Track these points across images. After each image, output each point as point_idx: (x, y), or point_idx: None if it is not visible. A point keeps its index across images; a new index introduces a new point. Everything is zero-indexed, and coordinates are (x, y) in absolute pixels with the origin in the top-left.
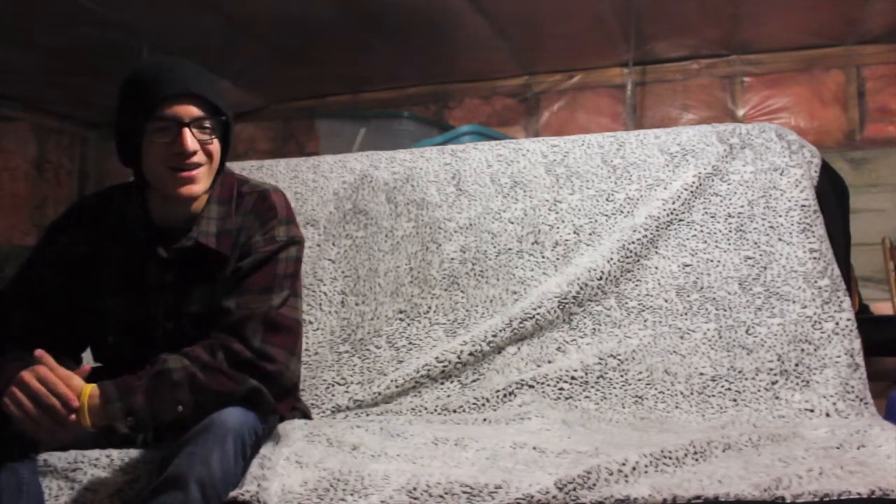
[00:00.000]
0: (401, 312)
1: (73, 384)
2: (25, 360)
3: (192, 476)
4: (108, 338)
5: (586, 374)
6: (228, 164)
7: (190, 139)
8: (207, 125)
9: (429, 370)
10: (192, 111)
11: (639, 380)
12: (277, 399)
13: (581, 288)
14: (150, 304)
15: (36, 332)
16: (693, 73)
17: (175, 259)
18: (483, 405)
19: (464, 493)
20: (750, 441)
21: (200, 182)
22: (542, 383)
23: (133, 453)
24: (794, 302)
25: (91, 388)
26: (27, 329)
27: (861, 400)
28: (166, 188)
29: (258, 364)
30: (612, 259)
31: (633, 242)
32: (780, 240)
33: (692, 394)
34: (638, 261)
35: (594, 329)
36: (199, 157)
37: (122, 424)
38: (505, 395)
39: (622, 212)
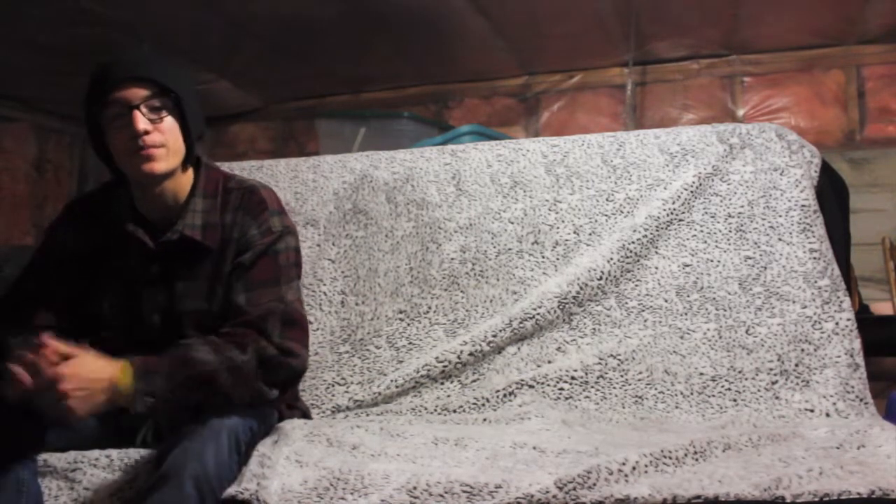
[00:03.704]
0: (401, 312)
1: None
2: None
3: (187, 472)
4: (100, 332)
5: (586, 374)
6: (228, 165)
7: (140, 119)
8: (157, 104)
9: (429, 370)
10: (140, 92)
11: (639, 380)
12: (290, 387)
13: (581, 288)
14: (139, 299)
15: (41, 331)
16: (693, 73)
17: (163, 252)
18: (483, 405)
19: (464, 492)
20: (750, 441)
21: (160, 161)
22: (542, 383)
23: (132, 453)
24: (794, 302)
25: (128, 367)
26: (32, 327)
27: (861, 400)
28: (131, 171)
29: (283, 359)
30: (612, 259)
31: (633, 242)
32: (780, 240)
33: (692, 394)
34: (638, 261)
35: (594, 329)
36: (155, 137)
37: (140, 402)
38: (505, 395)
39: (622, 212)
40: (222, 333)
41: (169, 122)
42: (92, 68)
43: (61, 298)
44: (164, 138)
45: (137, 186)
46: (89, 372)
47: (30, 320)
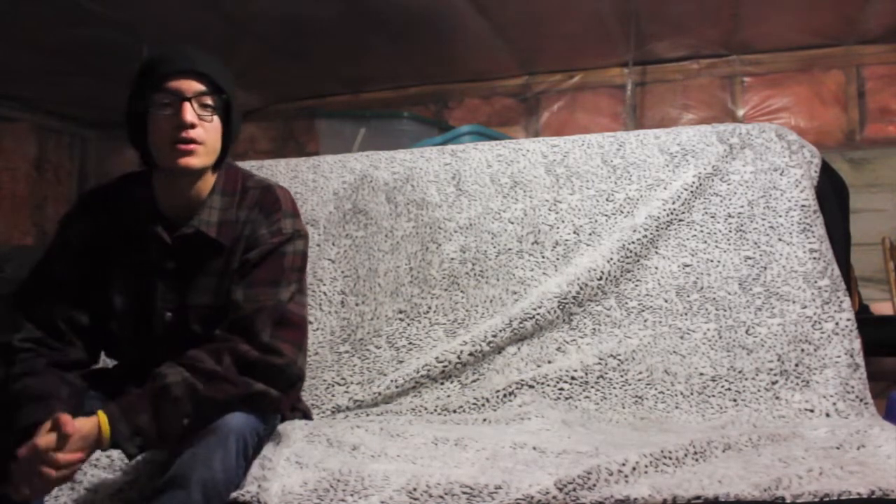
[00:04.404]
0: (401, 312)
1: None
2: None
3: (195, 477)
4: (111, 323)
5: (586, 374)
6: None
7: (189, 112)
8: (209, 102)
9: (429, 370)
10: (195, 86)
11: (639, 380)
12: (284, 392)
13: (581, 288)
14: (153, 293)
15: (58, 325)
16: (693, 73)
17: (178, 247)
18: (483, 405)
19: (464, 493)
20: (750, 441)
21: (199, 157)
22: (542, 383)
23: None
24: (794, 302)
25: (103, 417)
26: (50, 321)
27: (861, 400)
28: (166, 160)
29: (266, 360)
30: (612, 259)
31: (633, 242)
32: (780, 240)
33: (692, 394)
34: (638, 261)
35: (594, 329)
36: (198, 133)
37: (130, 445)
38: (505, 395)
39: (622, 212)
40: (203, 345)
41: (215, 123)
42: (147, 56)
43: (77, 289)
44: (206, 136)
45: (164, 179)
46: (80, 437)
47: (48, 312)
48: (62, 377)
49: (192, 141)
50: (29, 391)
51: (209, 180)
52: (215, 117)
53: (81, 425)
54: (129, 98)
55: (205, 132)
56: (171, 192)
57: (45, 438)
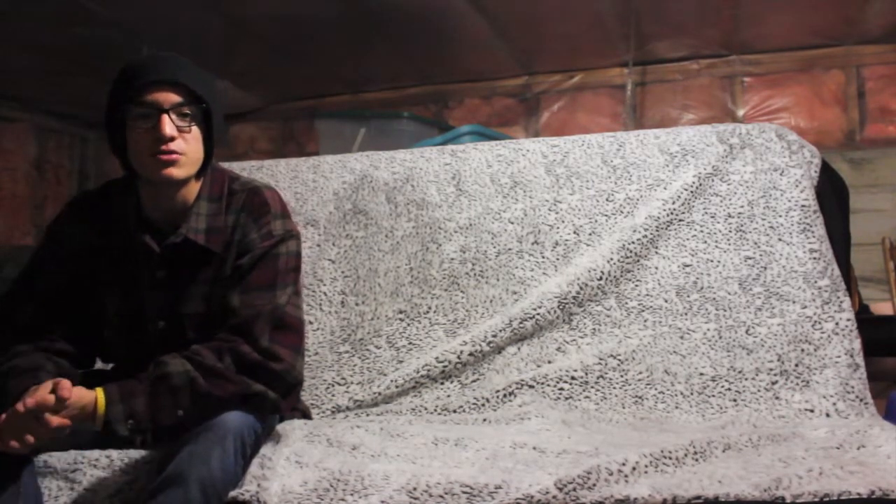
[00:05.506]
0: (401, 312)
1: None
2: (34, 372)
3: (193, 475)
4: (104, 332)
5: (586, 374)
6: (227, 165)
7: (168, 125)
8: (187, 112)
9: (429, 370)
10: (172, 98)
11: (639, 380)
12: (282, 397)
13: (581, 288)
14: (142, 301)
15: (43, 329)
16: (693, 73)
17: (167, 255)
18: (483, 405)
19: (464, 493)
20: (750, 441)
21: (181, 168)
22: (542, 383)
23: (132, 454)
24: (794, 302)
25: (101, 395)
26: (35, 326)
27: (861, 400)
28: (148, 173)
29: (265, 364)
30: (612, 259)
31: (633, 242)
32: (780, 240)
33: (692, 394)
34: (638, 261)
35: (594, 329)
36: (179, 144)
37: (122, 427)
38: (505, 395)
39: (622, 212)
40: (205, 343)
41: (195, 132)
42: (124, 65)
43: (66, 295)
44: (186, 147)
45: (149, 188)
46: (78, 406)
47: (35, 319)
48: (48, 357)
49: (173, 153)
50: (17, 369)
51: (194, 187)
52: (195, 127)
53: (81, 395)
54: (108, 108)
55: (185, 143)
56: (156, 200)
57: (42, 396)
